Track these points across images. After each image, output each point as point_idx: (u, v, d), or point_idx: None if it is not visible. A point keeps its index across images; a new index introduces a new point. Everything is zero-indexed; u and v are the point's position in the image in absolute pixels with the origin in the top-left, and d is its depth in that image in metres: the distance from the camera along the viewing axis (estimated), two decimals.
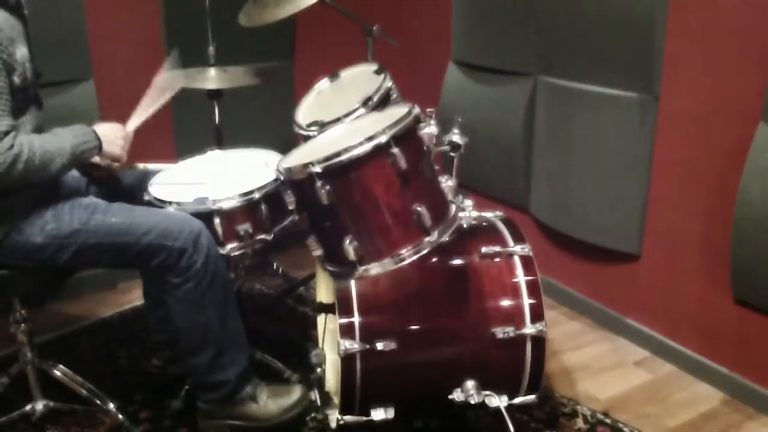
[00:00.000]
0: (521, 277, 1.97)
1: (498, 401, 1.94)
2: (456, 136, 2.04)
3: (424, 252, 1.82)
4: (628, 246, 2.60)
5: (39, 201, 1.90)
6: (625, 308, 2.70)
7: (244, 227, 2.02)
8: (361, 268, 1.83)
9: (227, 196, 2.01)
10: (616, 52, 2.43)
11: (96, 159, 1.97)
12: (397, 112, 1.89)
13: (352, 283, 1.92)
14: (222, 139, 2.58)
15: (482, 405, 1.94)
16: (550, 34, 2.65)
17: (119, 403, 2.22)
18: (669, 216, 2.45)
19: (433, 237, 1.82)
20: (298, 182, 1.83)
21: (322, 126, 2.11)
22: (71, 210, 1.91)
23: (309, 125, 2.15)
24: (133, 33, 2.88)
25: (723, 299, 2.32)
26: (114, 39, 2.83)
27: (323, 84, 2.41)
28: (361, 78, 2.29)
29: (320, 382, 2.09)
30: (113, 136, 1.98)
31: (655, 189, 2.48)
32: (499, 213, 2.18)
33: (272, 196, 2.04)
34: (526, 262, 1.99)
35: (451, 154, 2.05)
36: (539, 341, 1.93)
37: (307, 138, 2.13)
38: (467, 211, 2.07)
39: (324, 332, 2.29)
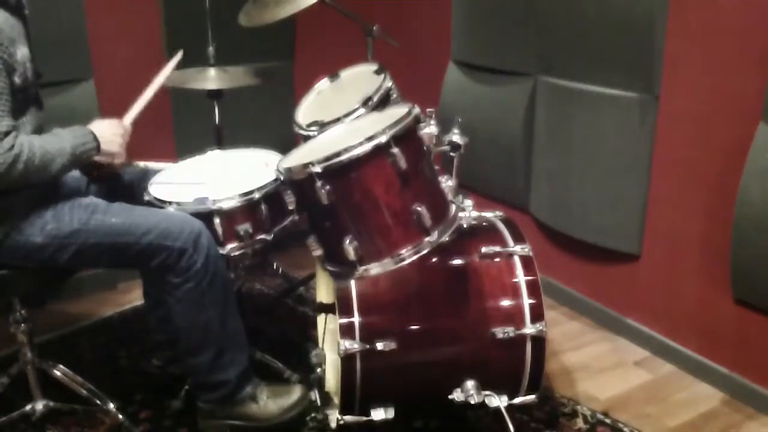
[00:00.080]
0: (521, 277, 1.97)
1: (498, 401, 1.94)
2: (456, 136, 2.04)
3: (424, 252, 1.82)
4: (628, 246, 2.60)
5: (39, 201, 1.90)
6: (625, 308, 2.70)
7: (244, 227, 2.02)
8: (361, 268, 1.83)
9: (227, 196, 2.01)
10: (616, 52, 2.43)
11: (96, 158, 1.97)
12: (397, 112, 1.89)
13: (352, 283, 1.92)
14: (222, 139, 2.58)
15: (482, 405, 1.94)
16: (550, 34, 2.65)
17: (119, 403, 2.22)
18: (669, 216, 2.45)
19: (433, 237, 1.82)
20: (298, 182, 1.83)
21: (322, 126, 2.11)
22: (71, 210, 1.91)
23: (309, 125, 2.15)
24: (133, 33, 2.88)
25: (723, 299, 2.32)
26: (114, 39, 2.83)
27: (323, 84, 2.41)
28: (361, 78, 2.29)
29: (320, 382, 2.09)
30: (111, 134, 1.97)
31: (655, 189, 2.48)
32: (499, 213, 2.18)
33: (272, 196, 2.04)
34: (526, 262, 1.99)
35: (451, 154, 2.05)
36: (539, 341, 1.93)
37: (307, 138, 2.13)
38: (467, 211, 2.07)
39: (324, 332, 2.29)
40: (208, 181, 2.14)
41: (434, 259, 1.97)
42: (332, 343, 2.13)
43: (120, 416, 2.17)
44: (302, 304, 2.91)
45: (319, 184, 1.76)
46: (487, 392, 1.94)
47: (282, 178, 1.89)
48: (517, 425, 2.05)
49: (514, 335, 1.92)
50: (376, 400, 1.95)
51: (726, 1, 2.16)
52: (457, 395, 1.93)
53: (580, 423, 2.23)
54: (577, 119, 2.61)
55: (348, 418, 1.96)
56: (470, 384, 1.93)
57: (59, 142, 1.85)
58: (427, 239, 1.82)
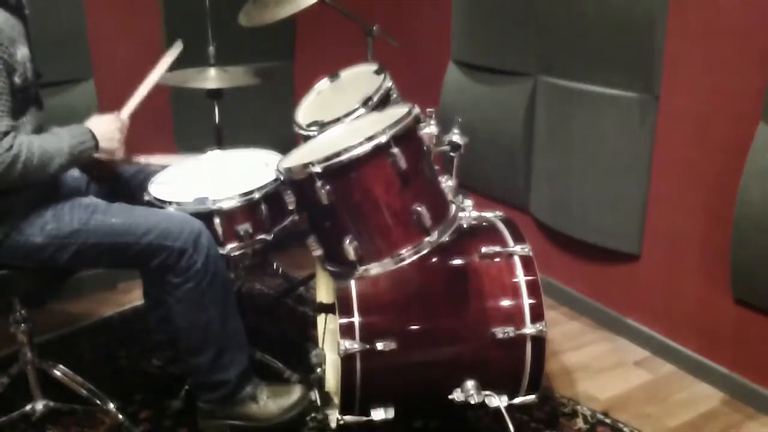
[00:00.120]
0: (521, 277, 1.97)
1: (498, 401, 1.94)
2: (456, 136, 2.04)
3: (424, 252, 1.82)
4: (628, 246, 2.60)
5: (39, 201, 1.90)
6: (625, 308, 2.70)
7: (244, 227, 2.02)
8: (361, 268, 1.83)
9: (227, 196, 2.01)
10: (616, 52, 2.43)
11: (96, 155, 1.97)
12: (397, 112, 1.89)
13: (352, 283, 1.92)
14: (222, 139, 2.58)
15: (482, 405, 1.94)
16: (550, 34, 2.65)
17: (119, 403, 2.22)
18: (669, 216, 2.45)
19: (433, 237, 1.82)
20: (298, 182, 1.83)
21: (322, 126, 2.11)
22: (71, 210, 1.91)
23: (309, 125, 2.15)
24: (133, 33, 2.88)
25: (723, 299, 2.31)
26: (114, 39, 2.83)
27: (323, 84, 2.41)
28: (361, 78, 2.29)
29: (320, 382, 2.09)
30: (109, 131, 1.97)
31: (655, 189, 2.48)
32: (499, 213, 2.18)
33: (272, 196, 2.04)
34: (526, 262, 1.99)
35: (451, 154, 2.05)
36: (539, 341, 1.94)
37: (307, 138, 2.13)
38: (467, 211, 2.07)
39: (324, 332, 2.29)
40: (208, 181, 2.14)
41: (434, 259, 1.97)
42: (332, 343, 2.13)
43: (120, 416, 2.17)
44: (302, 304, 2.91)
45: (319, 184, 1.76)
46: (487, 392, 1.94)
47: (282, 178, 1.89)
48: (517, 425, 2.05)
49: (514, 335, 1.92)
50: (376, 400, 1.95)
51: (726, 1, 2.16)
52: (457, 395, 1.93)
53: (580, 423, 2.23)
54: (577, 119, 2.61)
55: (348, 418, 1.96)
56: (470, 384, 1.93)
57: (58, 141, 1.85)
58: (427, 239, 1.82)
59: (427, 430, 2.19)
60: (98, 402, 2.18)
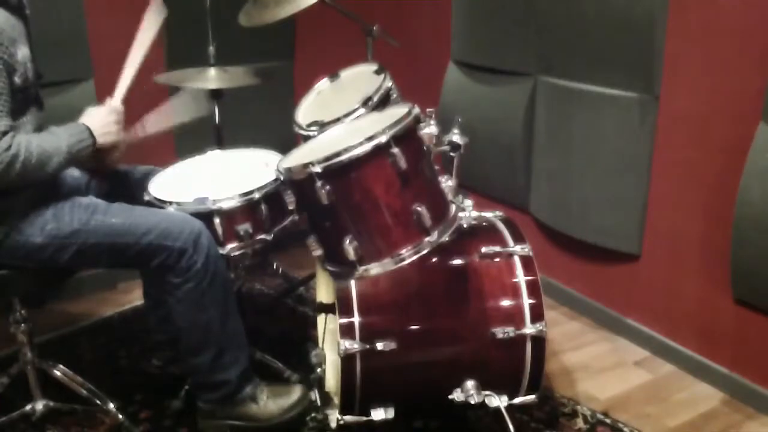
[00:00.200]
0: (521, 277, 1.97)
1: (498, 401, 1.94)
2: (456, 136, 2.04)
3: (424, 252, 1.81)
4: (628, 246, 2.60)
5: (39, 201, 1.90)
6: (625, 308, 2.70)
7: (244, 227, 2.02)
8: (361, 268, 1.83)
9: (227, 196, 2.01)
10: (616, 52, 2.43)
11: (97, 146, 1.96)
12: (397, 112, 1.89)
13: (352, 283, 1.92)
14: (222, 139, 2.58)
15: (482, 405, 1.94)
16: (550, 34, 2.65)
17: (119, 403, 2.22)
18: (669, 216, 2.45)
19: (433, 237, 1.82)
20: (298, 182, 1.83)
21: (322, 126, 2.11)
22: (71, 210, 1.91)
23: (309, 125, 2.15)
24: (133, 33, 2.87)
25: (723, 299, 2.32)
26: (114, 39, 2.81)
27: (323, 84, 2.41)
28: (361, 78, 2.29)
29: (320, 382, 2.09)
30: (105, 126, 1.96)
31: (655, 189, 2.48)
32: (499, 213, 2.18)
33: (272, 196, 2.04)
34: (526, 262, 1.99)
35: (451, 154, 2.05)
36: (539, 341, 1.94)
37: (307, 138, 2.13)
38: (467, 211, 2.07)
39: (324, 332, 2.29)
40: (208, 181, 2.14)
41: (434, 259, 1.97)
42: (332, 343, 2.13)
43: (120, 416, 2.17)
44: (302, 304, 2.91)
45: (319, 184, 1.76)
46: (487, 392, 1.94)
47: (282, 178, 1.89)
48: (517, 425, 2.05)
49: (514, 335, 1.92)
50: (376, 400, 1.95)
51: (726, 1, 2.15)
52: (457, 395, 1.93)
53: (580, 423, 2.23)
54: (577, 119, 2.61)
55: (348, 418, 1.96)
56: (470, 384, 1.94)
57: (56, 141, 1.85)
58: (427, 239, 1.81)
59: (427, 430, 2.19)
60: (98, 402, 2.18)
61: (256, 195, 2.02)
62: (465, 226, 2.03)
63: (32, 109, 1.90)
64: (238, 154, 2.36)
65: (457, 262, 2.01)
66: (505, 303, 1.95)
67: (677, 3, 2.27)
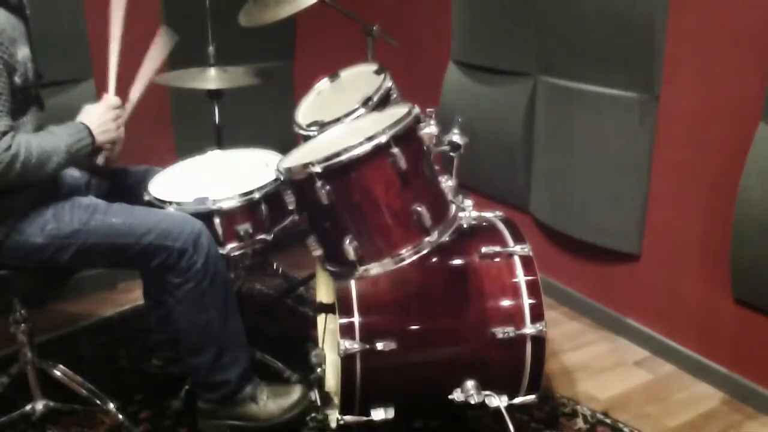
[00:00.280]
0: (521, 277, 1.97)
1: (498, 401, 1.94)
2: (456, 136, 2.04)
3: (424, 252, 1.82)
4: (628, 246, 2.60)
5: (39, 201, 1.90)
6: (625, 308, 2.70)
7: (244, 227, 2.02)
8: (361, 268, 1.83)
9: (227, 196, 2.01)
10: (616, 52, 2.43)
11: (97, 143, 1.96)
12: (397, 112, 1.89)
13: (352, 283, 1.92)
14: (222, 139, 2.58)
15: (482, 405, 1.94)
16: (550, 34, 2.65)
17: (119, 403, 2.21)
18: (669, 216, 2.45)
19: (433, 237, 1.82)
20: (298, 182, 1.83)
21: (322, 126, 2.11)
22: (71, 210, 1.91)
23: (309, 125, 2.15)
24: (133, 33, 2.88)
25: (723, 299, 2.32)
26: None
27: (323, 84, 2.41)
28: (361, 78, 2.29)
29: (320, 382, 2.09)
30: (103, 124, 1.96)
31: (655, 189, 2.48)
32: (499, 213, 2.18)
33: (272, 196, 2.04)
34: (526, 262, 1.99)
35: (451, 154, 2.05)
36: (539, 341, 1.94)
37: (307, 138, 2.13)
38: (467, 211, 2.07)
39: (324, 332, 2.29)
40: (208, 181, 2.14)
41: (434, 259, 1.97)
42: (332, 343, 2.13)
43: (120, 416, 2.17)
44: (302, 304, 2.91)
45: (319, 184, 1.76)
46: (487, 392, 1.94)
47: (282, 178, 1.89)
48: (517, 425, 2.05)
49: (514, 335, 1.92)
50: (376, 400, 1.95)
51: (726, 1, 2.16)
52: (457, 395, 1.93)
53: (580, 423, 2.23)
54: (577, 119, 2.61)
55: (348, 418, 1.96)
56: (470, 384, 1.93)
57: (56, 140, 1.85)
58: (427, 239, 1.82)
59: (427, 430, 2.19)
60: (98, 402, 2.18)
61: (256, 195, 2.02)
62: (465, 226, 2.03)
63: (32, 109, 1.90)
64: (238, 154, 2.36)
65: (457, 262, 2.01)
66: (505, 303, 1.95)
67: (677, 3, 2.27)
